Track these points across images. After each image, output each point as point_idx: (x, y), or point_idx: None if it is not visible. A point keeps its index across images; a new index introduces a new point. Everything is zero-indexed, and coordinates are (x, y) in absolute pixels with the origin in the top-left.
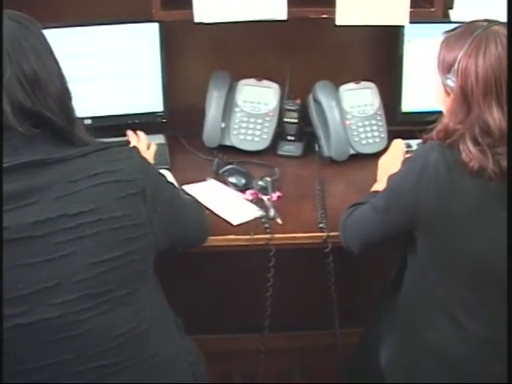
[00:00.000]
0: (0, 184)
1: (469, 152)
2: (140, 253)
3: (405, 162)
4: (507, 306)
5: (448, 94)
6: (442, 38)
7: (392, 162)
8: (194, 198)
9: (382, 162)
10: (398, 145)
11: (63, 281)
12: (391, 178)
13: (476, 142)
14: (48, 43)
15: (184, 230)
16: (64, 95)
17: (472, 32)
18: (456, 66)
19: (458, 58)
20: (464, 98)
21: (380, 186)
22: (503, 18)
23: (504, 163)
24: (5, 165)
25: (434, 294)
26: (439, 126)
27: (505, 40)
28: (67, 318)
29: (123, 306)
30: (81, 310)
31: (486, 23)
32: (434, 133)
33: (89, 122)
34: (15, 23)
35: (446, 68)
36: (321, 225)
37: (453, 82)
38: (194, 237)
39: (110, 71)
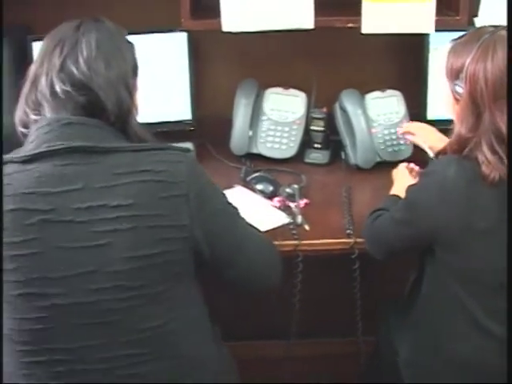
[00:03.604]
0: (0, 185)
1: (488, 163)
2: (176, 255)
3: (423, 175)
4: (507, 306)
5: (457, 100)
6: (449, 45)
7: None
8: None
9: (395, 172)
10: (400, 169)
11: (98, 269)
12: (410, 189)
13: (493, 151)
14: (124, 47)
15: (240, 254)
16: (118, 83)
17: (479, 38)
18: (464, 72)
19: (466, 64)
20: (473, 103)
21: (396, 189)
22: None
23: None
24: (57, 147)
25: (458, 304)
26: (452, 138)
27: None
28: (101, 305)
29: (155, 303)
30: (114, 299)
31: (492, 28)
32: (447, 146)
33: None
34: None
35: (454, 75)
36: (348, 231)
37: (461, 88)
38: (253, 269)
39: (138, 80)
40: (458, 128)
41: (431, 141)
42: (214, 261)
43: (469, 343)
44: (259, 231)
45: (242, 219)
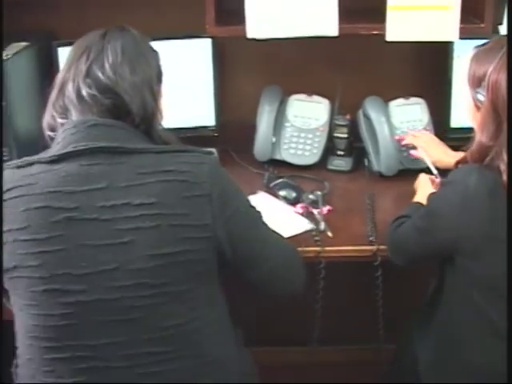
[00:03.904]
0: (0, 181)
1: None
2: (199, 254)
3: (444, 184)
4: (507, 308)
5: (478, 108)
6: (471, 52)
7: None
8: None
9: (417, 182)
10: (422, 178)
11: (121, 266)
12: (431, 198)
13: None
14: (149, 53)
15: (262, 256)
16: (143, 87)
17: (502, 46)
18: (486, 80)
19: (488, 72)
20: (494, 111)
21: (419, 197)
22: None
23: None
24: (83, 147)
25: (478, 312)
26: (472, 147)
27: None
28: (124, 302)
29: (178, 302)
30: (136, 296)
31: None
32: (468, 155)
33: None
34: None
35: (476, 82)
36: (370, 238)
37: (483, 96)
38: (275, 272)
39: (163, 87)
40: (479, 136)
41: (435, 155)
42: (236, 262)
43: (488, 351)
44: (283, 237)
45: (266, 224)
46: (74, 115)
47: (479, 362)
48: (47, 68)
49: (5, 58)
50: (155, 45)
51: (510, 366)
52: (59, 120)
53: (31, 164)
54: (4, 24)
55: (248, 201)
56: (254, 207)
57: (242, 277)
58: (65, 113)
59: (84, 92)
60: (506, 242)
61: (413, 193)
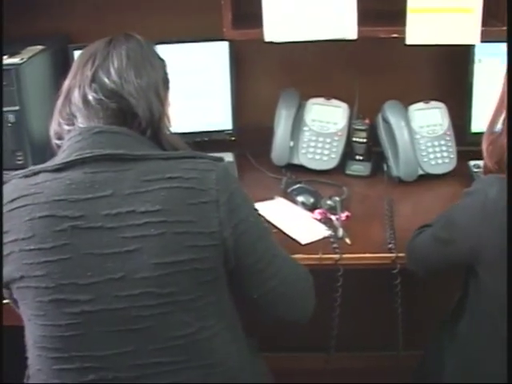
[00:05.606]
0: (0, 193)
1: None
2: (206, 263)
3: (465, 194)
4: (507, 307)
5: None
6: None
7: None
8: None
9: None
10: None
11: (128, 275)
12: (452, 208)
13: None
14: (155, 59)
15: (269, 271)
16: (148, 91)
17: None
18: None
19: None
20: (502, 95)
21: None
22: None
23: None
24: (88, 155)
25: (495, 328)
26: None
27: None
28: (130, 312)
29: (185, 311)
30: (143, 306)
31: None
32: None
33: None
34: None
35: None
36: (390, 245)
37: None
38: (281, 292)
39: (179, 89)
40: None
41: None
42: (238, 274)
43: (503, 367)
44: (294, 258)
45: (275, 240)
46: (80, 121)
47: (497, 378)
48: (63, 71)
49: (20, 61)
50: (172, 48)
51: (510, 366)
52: (66, 127)
53: (37, 173)
54: (19, 27)
55: (258, 213)
56: (263, 221)
57: (244, 293)
58: (71, 120)
59: (90, 97)
60: (507, 251)
61: (433, 198)
